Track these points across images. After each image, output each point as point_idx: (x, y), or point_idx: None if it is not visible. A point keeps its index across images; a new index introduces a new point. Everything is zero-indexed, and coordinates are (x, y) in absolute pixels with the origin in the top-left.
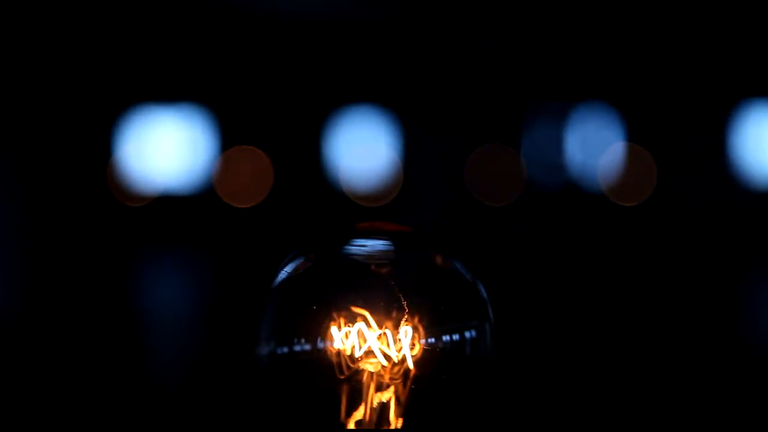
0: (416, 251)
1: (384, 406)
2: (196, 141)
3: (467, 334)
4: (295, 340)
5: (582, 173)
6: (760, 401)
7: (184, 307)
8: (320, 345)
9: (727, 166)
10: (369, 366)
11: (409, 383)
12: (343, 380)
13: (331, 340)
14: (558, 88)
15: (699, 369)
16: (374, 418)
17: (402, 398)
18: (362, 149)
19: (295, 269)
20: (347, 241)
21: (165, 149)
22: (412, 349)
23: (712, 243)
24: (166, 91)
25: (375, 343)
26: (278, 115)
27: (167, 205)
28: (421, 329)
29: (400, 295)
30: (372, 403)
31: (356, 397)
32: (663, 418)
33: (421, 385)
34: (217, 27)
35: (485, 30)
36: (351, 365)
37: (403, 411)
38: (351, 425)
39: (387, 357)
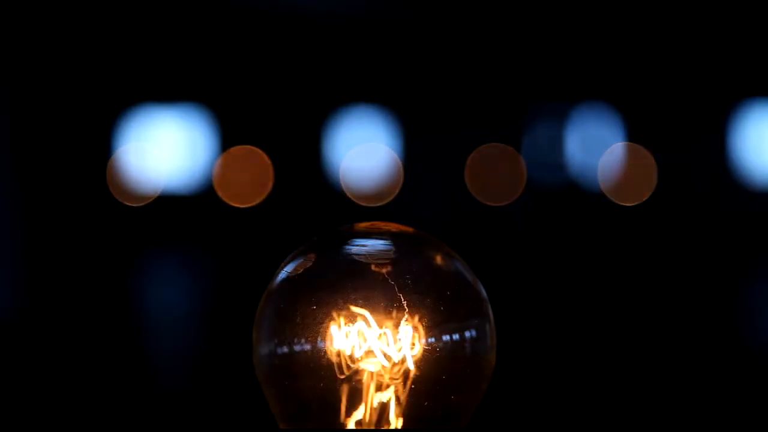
0: (416, 251)
1: (384, 406)
2: (196, 141)
3: (467, 334)
4: (295, 340)
5: (582, 173)
6: (760, 399)
7: (184, 306)
8: (320, 345)
9: (727, 166)
10: (369, 366)
11: (409, 383)
12: (343, 380)
13: (331, 340)
14: (558, 88)
15: (699, 368)
16: (374, 418)
17: (402, 398)
18: (362, 149)
19: (295, 269)
20: (347, 241)
21: (165, 149)
22: (412, 348)
23: (712, 243)
24: (166, 91)
25: (375, 343)
26: (278, 115)
27: (167, 205)
28: (421, 329)
29: (400, 295)
30: (372, 403)
31: (356, 397)
32: (663, 417)
33: (421, 385)
34: (217, 27)
35: (485, 30)
36: (351, 365)
37: (403, 411)
38: (351, 425)
39: (387, 357)
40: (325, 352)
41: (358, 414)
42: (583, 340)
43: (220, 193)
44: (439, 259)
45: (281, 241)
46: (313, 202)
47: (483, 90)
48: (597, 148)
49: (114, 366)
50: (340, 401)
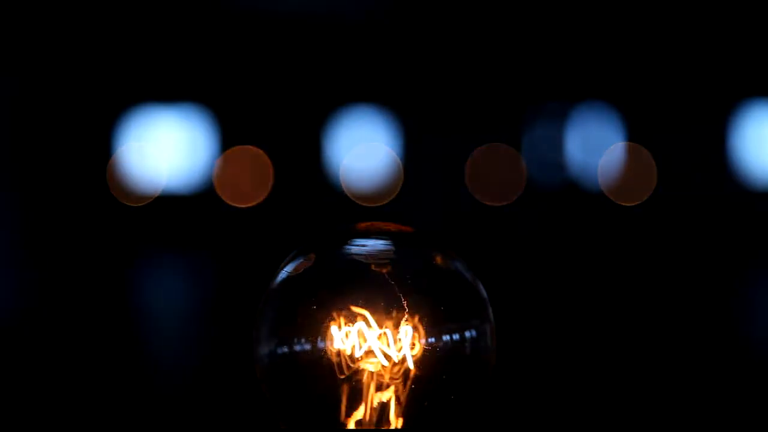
0: (416, 251)
1: (384, 406)
2: (196, 141)
3: (467, 334)
4: (295, 340)
5: (582, 173)
6: (760, 400)
7: (183, 306)
8: (320, 345)
9: (727, 167)
10: (369, 366)
11: (409, 383)
12: (343, 380)
13: (331, 340)
14: (558, 88)
15: (699, 368)
16: (374, 418)
17: (402, 398)
18: (362, 149)
19: (295, 269)
20: (347, 241)
21: (165, 149)
22: (412, 348)
23: (712, 243)
24: (166, 91)
25: (375, 343)
26: (278, 115)
27: (167, 205)
28: (421, 329)
29: (400, 295)
30: (372, 403)
31: (356, 397)
32: (663, 418)
33: (421, 385)
34: (217, 27)
35: (485, 30)
36: (351, 365)
37: (403, 411)
38: (351, 425)
39: (387, 357)
40: (325, 352)
41: (358, 414)
42: (583, 339)
43: (220, 193)
44: (439, 259)
45: (281, 241)
46: (313, 202)
47: (483, 90)
48: (597, 148)
49: (113, 366)
50: (340, 401)
